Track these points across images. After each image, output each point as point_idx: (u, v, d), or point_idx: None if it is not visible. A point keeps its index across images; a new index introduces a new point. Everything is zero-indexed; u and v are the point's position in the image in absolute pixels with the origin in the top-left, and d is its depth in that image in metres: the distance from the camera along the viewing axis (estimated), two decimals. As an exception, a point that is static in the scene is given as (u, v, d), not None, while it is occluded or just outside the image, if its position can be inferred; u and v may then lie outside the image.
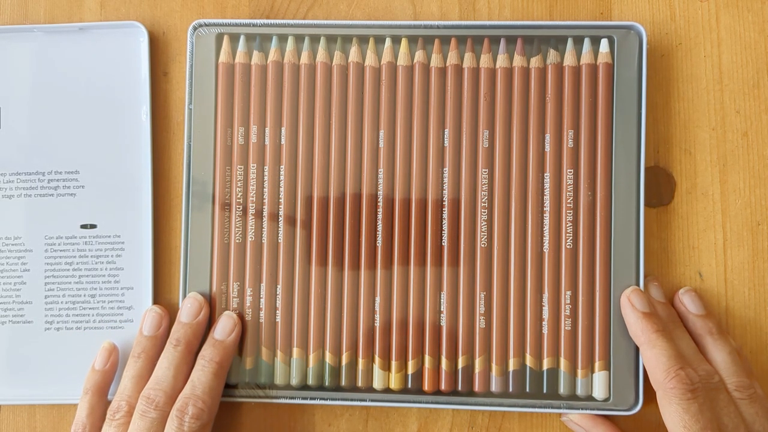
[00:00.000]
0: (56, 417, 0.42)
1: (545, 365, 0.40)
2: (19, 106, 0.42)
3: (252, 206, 0.40)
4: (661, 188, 0.42)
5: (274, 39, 0.41)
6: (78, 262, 0.41)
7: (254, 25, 0.41)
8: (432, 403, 0.40)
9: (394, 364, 0.40)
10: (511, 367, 0.40)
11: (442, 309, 0.40)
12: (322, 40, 0.41)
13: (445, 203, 0.40)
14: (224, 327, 0.39)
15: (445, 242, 0.40)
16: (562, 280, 0.40)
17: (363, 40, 0.41)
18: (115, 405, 0.38)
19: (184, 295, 0.40)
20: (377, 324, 0.40)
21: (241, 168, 0.41)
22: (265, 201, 0.41)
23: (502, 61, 0.40)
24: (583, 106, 0.40)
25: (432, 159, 0.40)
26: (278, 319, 0.40)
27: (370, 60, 0.41)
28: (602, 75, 0.40)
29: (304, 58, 0.41)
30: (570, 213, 0.40)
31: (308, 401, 0.40)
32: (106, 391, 0.40)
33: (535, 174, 0.40)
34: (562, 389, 0.39)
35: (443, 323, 0.40)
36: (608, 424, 0.39)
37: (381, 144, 0.41)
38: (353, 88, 0.41)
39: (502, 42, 0.41)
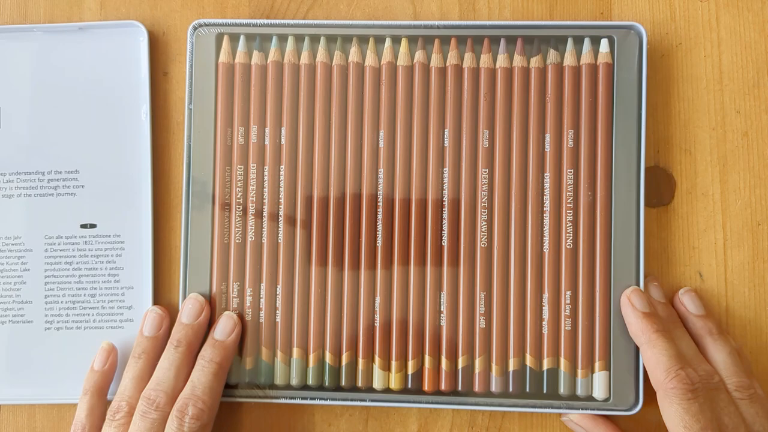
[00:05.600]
0: (56, 417, 0.42)
1: (545, 365, 0.40)
2: (19, 106, 0.42)
3: (252, 206, 0.40)
4: (661, 188, 0.42)
5: (274, 39, 0.41)
6: (78, 261, 0.41)
7: (254, 25, 0.41)
8: (432, 403, 0.40)
9: (394, 364, 0.40)
10: (511, 367, 0.40)
11: (442, 309, 0.40)
12: (322, 40, 0.41)
13: (445, 203, 0.40)
14: (224, 327, 0.39)
15: (445, 242, 0.40)
16: (562, 280, 0.40)
17: (363, 40, 0.41)
18: (115, 405, 0.38)
19: (185, 295, 0.40)
20: (377, 324, 0.40)
21: (241, 168, 0.41)
22: (265, 201, 0.40)
23: (502, 61, 0.40)
24: (583, 106, 0.40)
25: (432, 159, 0.40)
26: (278, 319, 0.40)
27: (370, 60, 0.41)
28: (602, 75, 0.40)
29: (304, 58, 0.41)
30: (570, 213, 0.40)
31: (308, 401, 0.40)
32: (105, 392, 0.40)
33: (535, 174, 0.40)
34: (562, 389, 0.39)
35: (443, 323, 0.40)
36: (608, 424, 0.39)
37: (381, 144, 0.41)
38: (353, 88, 0.41)
39: (502, 42, 0.41)
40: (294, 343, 0.40)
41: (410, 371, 0.40)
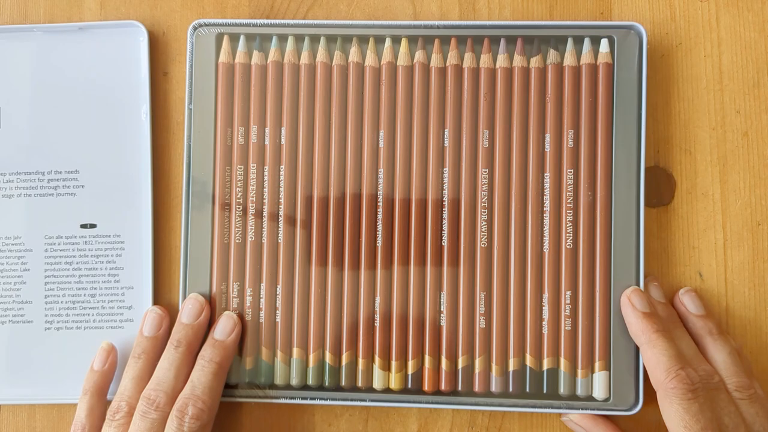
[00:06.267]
0: (56, 417, 0.42)
1: (545, 365, 0.40)
2: (19, 106, 0.42)
3: (252, 206, 0.40)
4: (661, 188, 0.42)
5: (274, 39, 0.41)
6: (78, 261, 0.41)
7: (254, 25, 0.41)
8: (432, 403, 0.40)
9: (394, 364, 0.40)
10: (511, 367, 0.40)
11: (442, 309, 0.40)
12: (322, 40, 0.41)
13: (445, 203, 0.40)
14: (224, 327, 0.39)
15: (445, 242, 0.40)
16: (562, 280, 0.40)
17: (363, 40, 0.41)
18: (115, 405, 0.38)
19: (185, 295, 0.40)
20: (377, 324, 0.40)
21: (241, 168, 0.41)
22: (265, 201, 0.40)
23: (502, 61, 0.40)
24: (583, 106, 0.40)
25: (432, 159, 0.40)
26: (278, 319, 0.40)
27: (370, 60, 0.41)
28: (602, 75, 0.40)
29: (304, 58, 0.41)
30: (570, 213, 0.40)
31: (308, 401, 0.40)
32: (105, 392, 0.40)
33: (535, 174, 0.40)
34: (562, 389, 0.39)
35: (443, 323, 0.40)
36: (608, 424, 0.39)
37: (381, 144, 0.41)
38: (353, 88, 0.41)
39: (502, 42, 0.41)
40: (294, 343, 0.40)
41: (410, 371, 0.40)
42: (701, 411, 0.35)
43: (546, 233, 0.40)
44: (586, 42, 0.40)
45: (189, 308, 0.39)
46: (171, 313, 0.41)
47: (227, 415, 0.41)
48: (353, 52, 0.41)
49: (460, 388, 0.40)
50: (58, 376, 0.41)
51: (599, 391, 0.39)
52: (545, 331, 0.40)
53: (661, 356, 0.36)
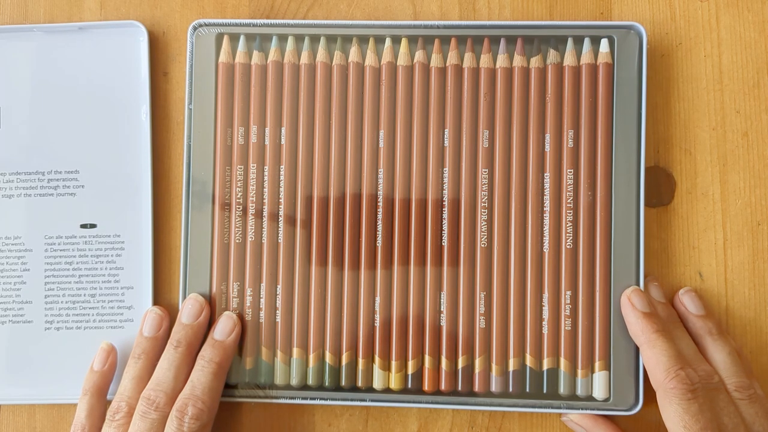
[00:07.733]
0: (56, 417, 0.42)
1: (545, 365, 0.40)
2: (19, 106, 0.42)
3: (252, 206, 0.40)
4: (661, 188, 0.42)
5: (274, 39, 0.41)
6: (78, 261, 0.41)
7: (254, 25, 0.41)
8: (432, 403, 0.40)
9: (394, 364, 0.40)
10: (511, 367, 0.40)
11: (442, 309, 0.40)
12: (322, 40, 0.41)
13: (445, 203, 0.40)
14: (224, 327, 0.39)
15: (445, 242, 0.40)
16: (562, 280, 0.40)
17: (363, 40, 0.41)
18: (114, 406, 0.38)
19: (184, 295, 0.40)
20: (377, 324, 0.40)
21: (241, 168, 0.41)
22: (265, 201, 0.41)
23: (502, 61, 0.40)
24: (583, 106, 0.40)
25: (432, 159, 0.40)
26: (278, 319, 0.40)
27: (370, 60, 0.41)
28: (602, 75, 0.40)
29: (304, 58, 0.41)
30: (570, 213, 0.40)
31: (308, 401, 0.40)
32: (105, 392, 0.40)
33: (535, 174, 0.40)
34: (562, 389, 0.39)
35: (443, 323, 0.40)
36: (608, 424, 0.39)
37: (381, 144, 0.41)
38: (353, 88, 0.41)
39: (502, 42, 0.41)
40: (294, 343, 0.40)
41: (410, 371, 0.40)
42: (701, 411, 0.35)
43: (546, 233, 0.40)
44: (586, 42, 0.40)
45: (189, 308, 0.39)
46: (171, 313, 0.41)
47: (227, 415, 0.41)
48: (353, 52, 0.41)
49: (460, 388, 0.40)
50: (58, 376, 0.41)
51: (599, 391, 0.39)
52: (545, 331, 0.40)
53: (661, 356, 0.36)
